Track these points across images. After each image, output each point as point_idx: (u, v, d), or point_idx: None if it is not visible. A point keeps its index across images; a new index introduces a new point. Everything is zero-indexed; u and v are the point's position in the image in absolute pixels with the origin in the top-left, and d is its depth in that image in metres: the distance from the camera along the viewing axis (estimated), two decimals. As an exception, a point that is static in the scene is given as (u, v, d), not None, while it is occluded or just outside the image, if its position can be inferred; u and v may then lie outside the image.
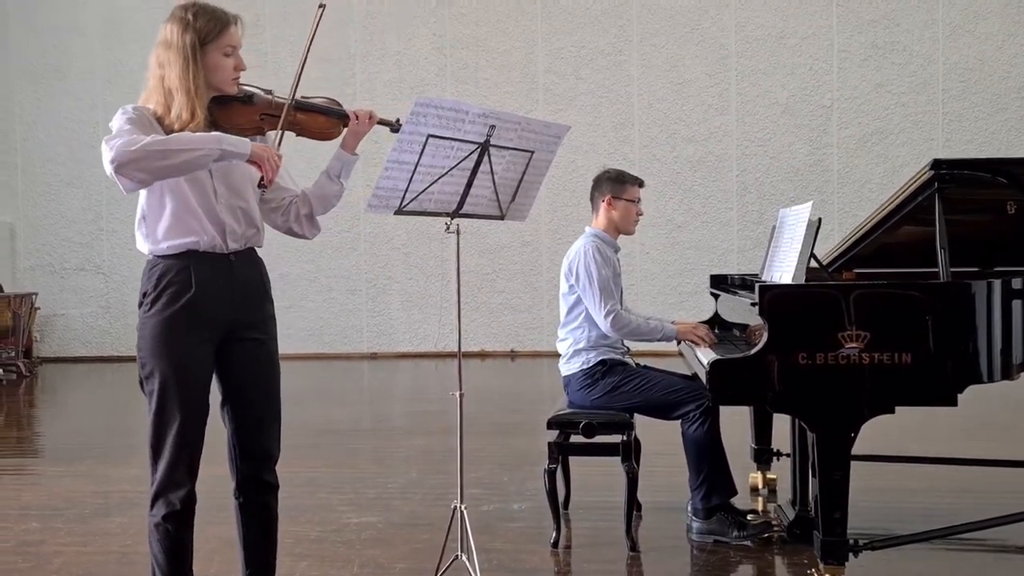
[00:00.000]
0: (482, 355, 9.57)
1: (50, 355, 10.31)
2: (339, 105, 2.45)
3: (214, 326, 2.33)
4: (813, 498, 2.76)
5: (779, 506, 3.66)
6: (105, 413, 7.34)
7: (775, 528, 3.39)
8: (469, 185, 2.76)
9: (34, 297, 9.45)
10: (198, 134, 2.20)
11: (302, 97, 2.37)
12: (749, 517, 3.39)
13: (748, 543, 3.31)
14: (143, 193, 2.30)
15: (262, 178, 2.27)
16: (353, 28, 9.84)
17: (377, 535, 3.62)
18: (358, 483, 4.45)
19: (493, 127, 2.67)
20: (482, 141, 2.68)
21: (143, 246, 2.34)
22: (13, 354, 9.09)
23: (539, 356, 9.38)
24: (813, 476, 2.68)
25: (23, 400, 7.94)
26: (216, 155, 2.18)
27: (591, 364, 3.53)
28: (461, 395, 2.90)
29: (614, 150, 9.46)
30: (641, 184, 3.74)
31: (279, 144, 2.32)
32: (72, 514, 4.01)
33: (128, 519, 3.90)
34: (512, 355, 9.62)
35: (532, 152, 2.86)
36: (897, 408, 2.65)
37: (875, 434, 3.07)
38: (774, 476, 3.93)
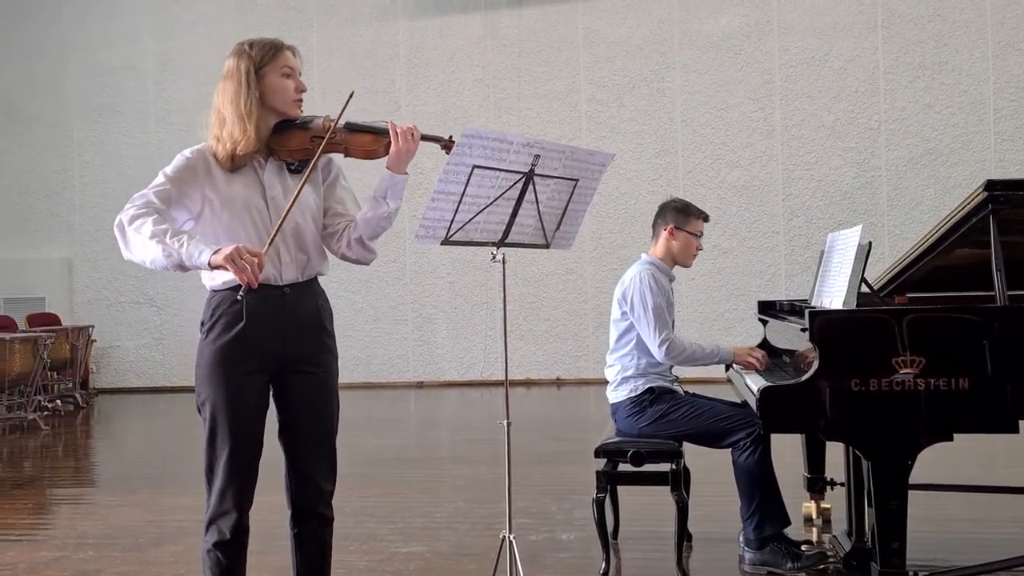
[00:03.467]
0: (528, 383, 9.55)
1: (106, 386, 10.54)
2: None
3: (266, 358, 2.37)
4: (870, 528, 2.70)
5: (834, 536, 3.58)
6: (159, 443, 7.47)
7: (831, 559, 3.31)
8: (514, 214, 2.77)
9: (91, 330, 9.68)
10: (184, 243, 2.20)
11: (350, 120, 2.42)
12: (803, 548, 3.32)
13: (802, 574, 3.23)
14: (197, 231, 2.38)
15: (248, 284, 2.17)
16: (398, 61, 10.01)
17: (425, 565, 3.61)
18: (406, 512, 4.46)
19: (537, 156, 2.69)
20: (527, 170, 2.69)
21: (206, 281, 2.41)
22: (71, 385, 9.31)
23: (585, 384, 9.33)
24: (869, 506, 2.63)
25: (80, 431, 8.11)
26: (176, 261, 2.21)
27: (639, 392, 3.50)
28: (509, 424, 2.90)
29: (658, 176, 9.44)
30: (706, 219, 3.71)
31: (271, 241, 2.26)
32: (127, 543, 4.08)
33: (182, 548, 3.95)
34: (558, 383, 9.59)
35: (576, 180, 2.87)
36: (956, 435, 2.59)
37: (933, 462, 3.00)
38: (828, 505, 3.84)
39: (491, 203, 2.69)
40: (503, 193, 2.69)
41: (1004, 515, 3.96)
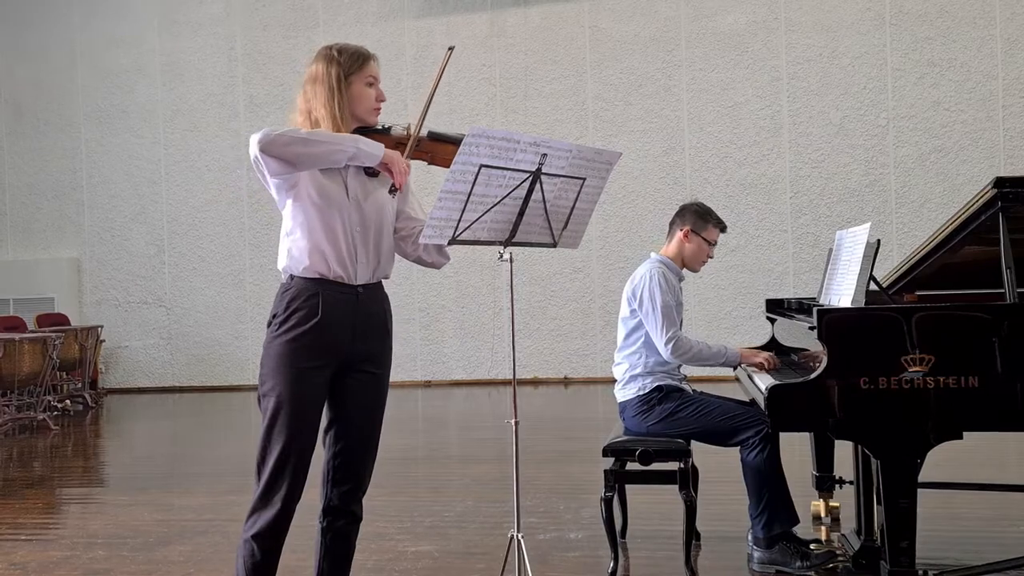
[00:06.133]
0: (535, 382, 9.55)
1: (115, 386, 10.58)
2: None
3: (333, 354, 2.42)
4: (879, 527, 2.69)
5: (843, 535, 3.57)
6: (167, 443, 7.49)
7: (840, 558, 3.30)
8: (521, 213, 2.76)
9: (99, 330, 9.72)
10: (338, 133, 2.36)
11: (433, 130, 2.53)
12: (812, 546, 3.31)
13: (812, 573, 3.22)
14: (288, 213, 2.42)
15: (393, 184, 2.39)
16: (404, 61, 10.02)
17: (434, 564, 3.61)
18: (414, 511, 4.46)
19: (544, 155, 2.68)
20: (534, 169, 2.68)
21: (281, 261, 2.45)
22: (80, 386, 9.34)
23: (592, 383, 9.33)
24: (878, 504, 2.62)
25: (89, 430, 8.14)
26: (351, 153, 2.32)
27: (647, 390, 3.49)
28: (516, 423, 2.89)
29: (665, 175, 9.43)
30: (723, 229, 3.69)
31: (407, 155, 2.44)
32: (137, 543, 4.09)
33: (191, 547, 3.96)
34: (565, 382, 9.59)
35: (584, 179, 2.86)
36: (965, 433, 2.58)
37: (943, 460, 2.98)
38: (837, 504, 3.83)
39: (498, 202, 2.68)
40: (510, 192, 2.68)
41: (1014, 513, 3.94)
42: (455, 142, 2.52)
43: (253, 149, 2.29)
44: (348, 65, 2.46)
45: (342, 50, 2.48)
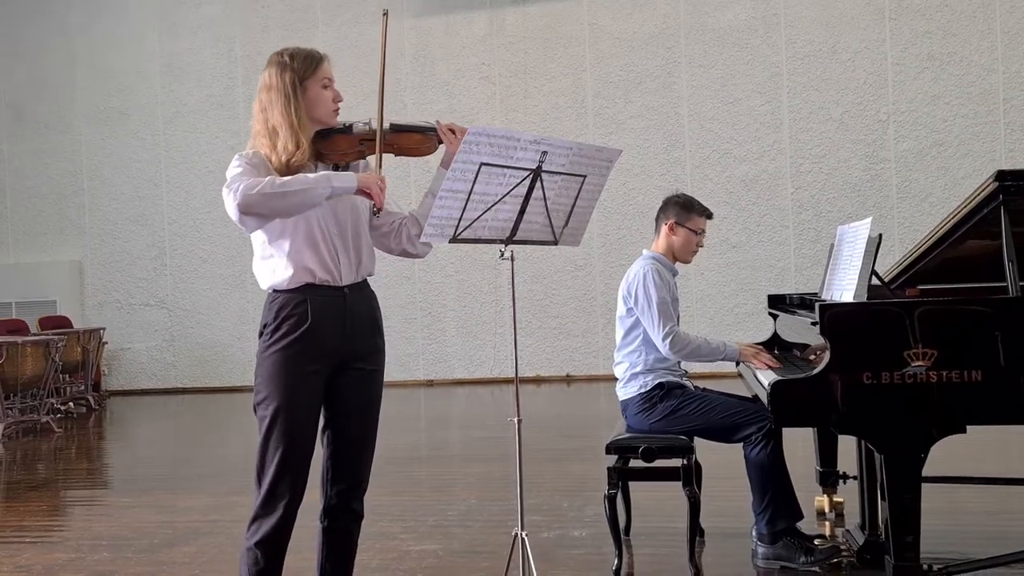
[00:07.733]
0: (537, 380, 9.55)
1: (118, 388, 10.59)
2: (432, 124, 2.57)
3: (327, 358, 2.41)
4: (883, 522, 2.69)
5: (848, 530, 3.56)
6: (171, 444, 7.50)
7: (844, 553, 3.30)
8: (522, 211, 2.77)
9: (102, 332, 9.73)
10: (310, 175, 2.31)
11: (394, 121, 2.52)
12: (816, 542, 3.31)
13: (816, 569, 3.23)
14: (261, 233, 2.40)
15: (374, 205, 2.40)
16: (404, 59, 10.02)
17: (438, 563, 3.61)
18: (417, 511, 4.46)
19: (545, 153, 2.68)
20: (534, 167, 2.69)
21: (263, 281, 2.44)
22: (83, 388, 9.35)
23: (595, 380, 9.32)
24: (882, 499, 2.62)
25: (92, 433, 8.15)
26: (327, 192, 2.30)
27: (648, 388, 3.49)
28: (519, 421, 2.89)
29: (666, 171, 9.42)
30: (709, 216, 3.69)
31: (380, 167, 2.43)
32: (141, 544, 4.10)
33: (195, 549, 3.97)
34: (568, 380, 9.59)
35: (584, 177, 2.86)
36: (969, 427, 2.58)
37: (947, 454, 2.98)
38: (841, 499, 3.83)
39: (499, 200, 2.68)
40: (511, 190, 2.68)
41: (1018, 507, 3.94)
42: (418, 130, 2.53)
43: (232, 211, 2.25)
44: (302, 70, 2.43)
45: (294, 55, 2.45)
